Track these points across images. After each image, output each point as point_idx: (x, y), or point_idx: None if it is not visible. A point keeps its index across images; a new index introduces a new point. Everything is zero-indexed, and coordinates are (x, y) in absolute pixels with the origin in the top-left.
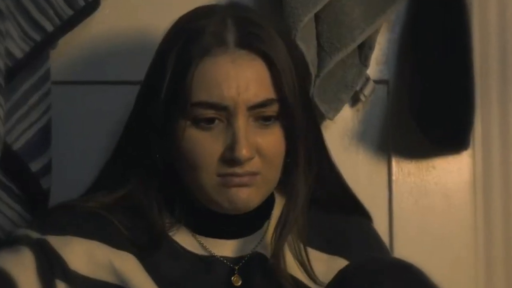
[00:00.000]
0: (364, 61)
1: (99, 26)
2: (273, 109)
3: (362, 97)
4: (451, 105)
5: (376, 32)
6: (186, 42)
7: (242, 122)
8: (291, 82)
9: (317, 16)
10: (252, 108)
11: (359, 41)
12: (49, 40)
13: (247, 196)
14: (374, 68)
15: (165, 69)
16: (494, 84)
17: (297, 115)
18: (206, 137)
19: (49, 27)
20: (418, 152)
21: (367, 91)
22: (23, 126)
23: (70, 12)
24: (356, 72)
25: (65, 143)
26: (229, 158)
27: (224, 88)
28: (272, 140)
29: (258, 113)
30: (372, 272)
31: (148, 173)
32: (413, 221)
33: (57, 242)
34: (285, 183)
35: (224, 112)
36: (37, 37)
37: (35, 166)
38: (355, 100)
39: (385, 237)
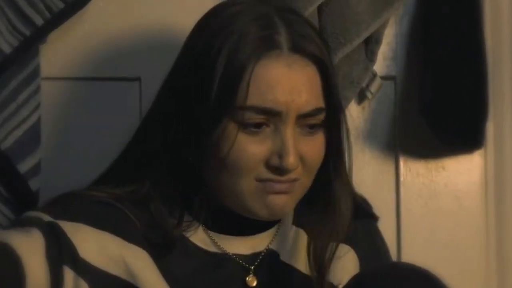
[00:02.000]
0: (370, 57)
1: (92, 20)
2: (319, 118)
3: (368, 94)
4: (462, 102)
5: (383, 26)
6: (237, 45)
7: (291, 130)
8: (337, 88)
9: (320, 9)
10: (302, 116)
11: (364, 35)
12: (39, 34)
13: (284, 203)
14: (381, 64)
15: (213, 72)
16: (507, 81)
17: (343, 123)
18: (253, 141)
19: (39, 21)
20: (427, 151)
21: (373, 87)
22: (11, 125)
23: (61, 5)
24: (362, 68)
25: (55, 142)
26: (276, 165)
27: (278, 94)
28: (315, 148)
29: (305, 122)
30: (392, 278)
31: (167, 172)
32: (422, 224)
33: (69, 228)
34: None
35: (275, 118)
36: (26, 31)
37: (23, 167)
38: (361, 97)
39: (392, 241)
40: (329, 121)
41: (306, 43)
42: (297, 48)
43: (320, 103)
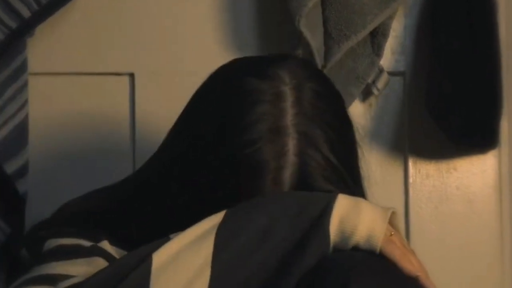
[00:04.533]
0: (377, 50)
1: (82, 11)
2: None
3: (375, 91)
4: (474, 99)
5: (391, 17)
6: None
7: None
8: None
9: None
10: None
11: (371, 27)
12: (26, 27)
13: None
14: (389, 58)
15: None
16: None
17: None
18: None
19: (26, 13)
20: (438, 152)
21: (380, 83)
22: None
23: None
24: (368, 63)
25: (44, 141)
26: None
27: None
28: None
29: None
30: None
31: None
32: (432, 228)
33: None
34: None
35: None
36: (12, 24)
37: (10, 167)
38: (367, 94)
39: None
40: None
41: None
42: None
43: None
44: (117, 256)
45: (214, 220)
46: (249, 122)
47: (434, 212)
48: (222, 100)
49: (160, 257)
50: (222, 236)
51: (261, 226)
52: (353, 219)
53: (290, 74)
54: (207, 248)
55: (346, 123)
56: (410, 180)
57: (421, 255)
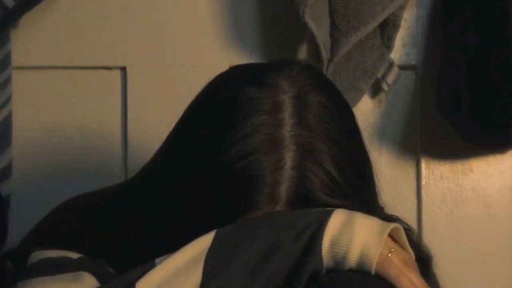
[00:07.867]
0: (387, 43)
1: (68, 3)
2: None
3: (384, 86)
4: (491, 96)
5: (402, 7)
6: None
7: None
8: None
9: None
10: None
11: (380, 18)
12: (10, 18)
13: None
14: (400, 51)
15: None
16: None
17: None
18: None
19: (10, 3)
20: (453, 152)
21: (390, 78)
22: None
23: None
24: (377, 56)
25: (28, 140)
26: None
27: None
28: None
29: None
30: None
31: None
32: (447, 233)
33: None
34: None
35: None
36: None
37: None
38: (376, 89)
39: None
40: None
41: (305, 201)
42: (293, 206)
43: None
44: (107, 268)
45: (203, 244)
46: (244, 134)
47: (449, 216)
48: (217, 111)
49: (143, 287)
50: (211, 264)
51: (255, 256)
52: (346, 239)
53: (290, 82)
54: (195, 279)
55: (353, 137)
56: (423, 182)
57: (435, 261)
